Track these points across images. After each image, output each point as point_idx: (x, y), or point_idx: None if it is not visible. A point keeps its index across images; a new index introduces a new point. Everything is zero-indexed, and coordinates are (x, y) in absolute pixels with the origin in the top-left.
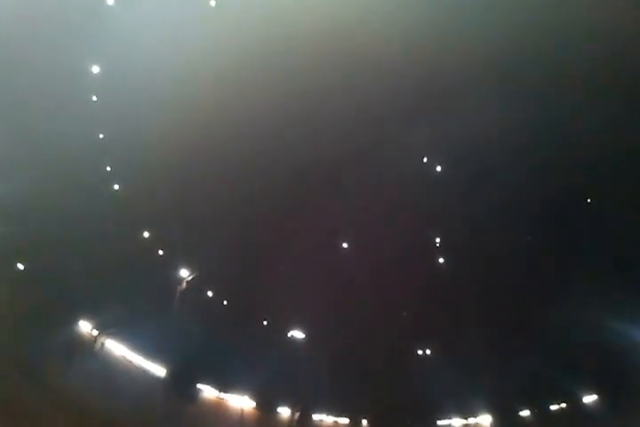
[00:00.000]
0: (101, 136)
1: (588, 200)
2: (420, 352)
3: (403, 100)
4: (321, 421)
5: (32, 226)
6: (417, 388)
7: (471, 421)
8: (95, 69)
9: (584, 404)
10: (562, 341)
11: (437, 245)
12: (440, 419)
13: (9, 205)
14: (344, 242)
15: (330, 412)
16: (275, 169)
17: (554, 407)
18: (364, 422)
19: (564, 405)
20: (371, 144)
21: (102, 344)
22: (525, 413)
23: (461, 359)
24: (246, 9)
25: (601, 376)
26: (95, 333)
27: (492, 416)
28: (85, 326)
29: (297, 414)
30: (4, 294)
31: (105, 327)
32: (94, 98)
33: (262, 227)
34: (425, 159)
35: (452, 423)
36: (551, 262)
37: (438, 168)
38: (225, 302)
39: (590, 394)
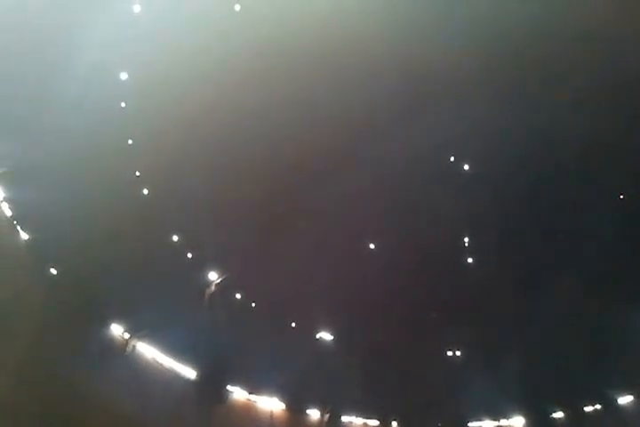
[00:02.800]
0: (130, 142)
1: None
2: (450, 353)
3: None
4: (350, 422)
5: (63, 231)
6: (447, 389)
7: (503, 423)
8: (124, 76)
9: (619, 405)
10: (596, 341)
11: (466, 244)
12: (471, 421)
13: (41, 210)
14: (372, 243)
15: (359, 413)
16: (305, 171)
17: (588, 409)
18: (394, 423)
19: (598, 406)
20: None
21: (134, 347)
22: (559, 414)
23: (492, 360)
24: (270, 12)
25: (637, 377)
26: (127, 336)
27: (525, 418)
28: (117, 330)
29: (326, 416)
30: (37, 299)
31: (136, 330)
32: (123, 104)
33: (291, 229)
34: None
35: (483, 425)
36: (583, 262)
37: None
38: (253, 304)
39: (625, 395)
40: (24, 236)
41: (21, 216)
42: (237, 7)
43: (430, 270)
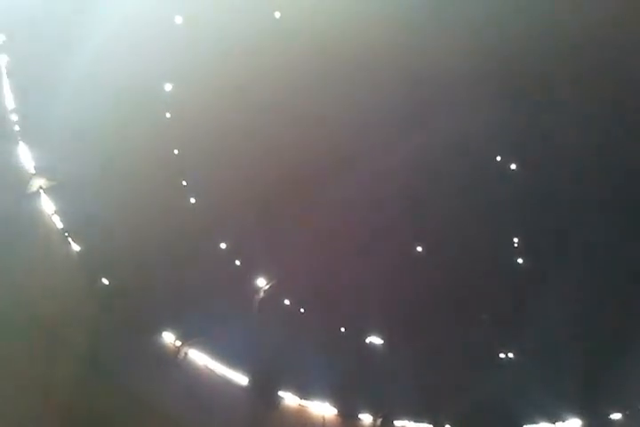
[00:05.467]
0: (176, 152)
1: None
2: (503, 355)
3: None
4: None
5: (113, 242)
6: (501, 391)
7: (559, 425)
8: (168, 87)
9: None
10: None
11: (516, 245)
12: (526, 423)
13: (91, 222)
14: (420, 245)
15: (412, 417)
16: (354, 178)
17: None
18: None
19: None
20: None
21: (185, 354)
22: (617, 416)
23: (547, 361)
24: (310, 20)
25: None
26: (178, 343)
27: (582, 420)
28: (169, 338)
29: (379, 421)
30: (89, 310)
31: (187, 338)
32: (168, 115)
33: (340, 235)
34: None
35: None
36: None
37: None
38: (302, 310)
39: None
40: (75, 247)
41: (72, 228)
42: (277, 15)
43: (482, 271)
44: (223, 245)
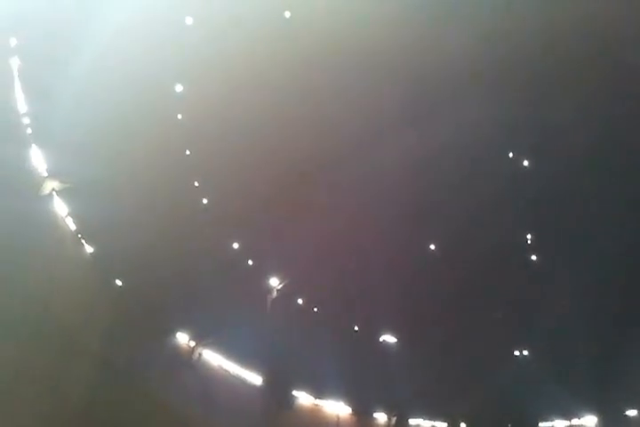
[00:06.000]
0: (187, 153)
1: None
2: (517, 353)
3: None
4: (418, 425)
5: (126, 243)
6: (517, 389)
7: (575, 422)
8: (179, 88)
9: None
10: None
11: (528, 242)
12: (542, 421)
13: (103, 224)
14: (434, 243)
15: (427, 415)
16: (367, 178)
17: None
18: (463, 425)
19: None
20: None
21: (199, 355)
22: (633, 412)
23: (562, 358)
24: (321, 19)
25: None
26: (192, 344)
27: (598, 417)
28: (183, 338)
29: (393, 419)
30: (104, 311)
31: (201, 338)
32: (179, 116)
33: (352, 233)
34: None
35: (555, 425)
36: None
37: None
38: (315, 309)
39: None
40: (89, 249)
41: (85, 230)
42: (287, 14)
43: (496, 269)
44: (236, 246)
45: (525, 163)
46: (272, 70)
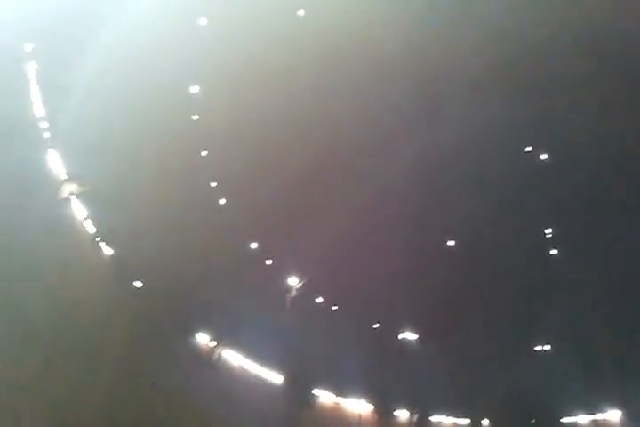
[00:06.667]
0: (204, 153)
1: None
2: (539, 348)
3: None
4: (440, 422)
5: (145, 245)
6: (539, 385)
7: (599, 417)
8: (194, 89)
9: None
10: None
11: (549, 236)
12: (565, 416)
13: (122, 226)
14: (453, 240)
15: (449, 412)
16: (386, 177)
17: None
18: (485, 421)
19: None
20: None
21: (220, 355)
22: None
23: (585, 353)
24: (334, 18)
25: None
26: (212, 344)
27: (622, 411)
28: (203, 339)
29: (415, 416)
30: (124, 313)
31: (221, 338)
32: (195, 117)
33: (369, 231)
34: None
35: (579, 420)
36: None
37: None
38: (335, 307)
39: None
40: (108, 251)
41: (104, 232)
42: (301, 12)
43: (515, 263)
44: (254, 245)
45: (544, 156)
46: (287, 70)
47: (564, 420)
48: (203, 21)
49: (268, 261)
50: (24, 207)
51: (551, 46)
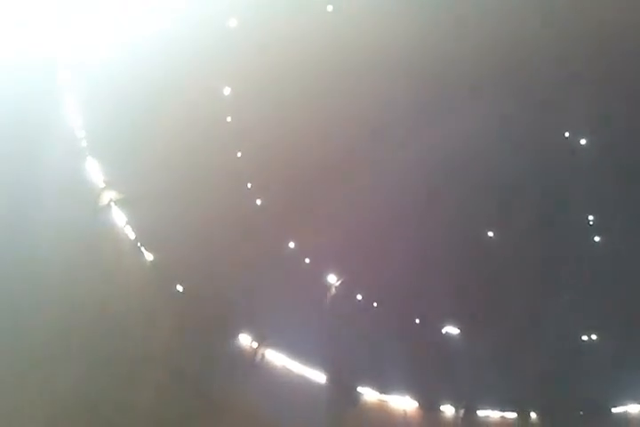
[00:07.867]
0: (239, 155)
1: None
2: (586, 338)
3: None
4: (487, 416)
5: (184, 249)
6: (587, 376)
7: None
8: (227, 91)
9: None
10: None
11: (590, 223)
12: (615, 406)
13: (161, 231)
14: (492, 231)
15: (495, 406)
16: (419, 174)
17: None
18: (533, 415)
19: None
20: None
21: (263, 355)
22: None
23: (634, 341)
24: (366, 14)
25: None
26: (255, 345)
27: None
28: (245, 340)
29: (461, 411)
30: (168, 316)
31: (264, 339)
32: (229, 119)
33: (408, 227)
34: None
35: (629, 410)
36: None
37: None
38: (375, 304)
39: None
40: (149, 257)
41: (144, 238)
42: (330, 8)
43: (559, 252)
44: (292, 245)
45: (583, 141)
46: (318, 68)
47: (615, 410)
48: (232, 23)
49: (307, 260)
50: (65, 216)
51: (563, 46)
